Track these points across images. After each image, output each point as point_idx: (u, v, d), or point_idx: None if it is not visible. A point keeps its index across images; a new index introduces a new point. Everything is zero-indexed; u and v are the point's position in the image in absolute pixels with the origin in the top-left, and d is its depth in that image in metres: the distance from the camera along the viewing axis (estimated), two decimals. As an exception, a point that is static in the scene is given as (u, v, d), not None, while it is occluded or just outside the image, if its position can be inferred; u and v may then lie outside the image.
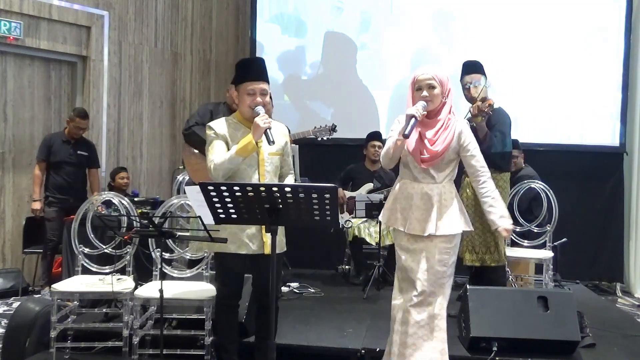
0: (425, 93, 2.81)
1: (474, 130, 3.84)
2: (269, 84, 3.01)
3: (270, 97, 3.10)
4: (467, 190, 3.97)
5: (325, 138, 4.75)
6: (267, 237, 2.91)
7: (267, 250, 2.91)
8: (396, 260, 3.00)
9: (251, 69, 2.98)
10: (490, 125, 3.85)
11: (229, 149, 2.93)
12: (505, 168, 4.00)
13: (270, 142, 2.80)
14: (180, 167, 4.90)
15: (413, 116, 2.74)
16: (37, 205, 5.30)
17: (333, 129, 4.51)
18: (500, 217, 2.90)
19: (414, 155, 2.85)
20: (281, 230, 3.07)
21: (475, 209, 3.91)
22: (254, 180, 2.95)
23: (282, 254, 3.14)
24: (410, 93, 2.90)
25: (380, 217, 3.08)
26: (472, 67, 4.01)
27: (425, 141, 2.85)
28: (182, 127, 4.36)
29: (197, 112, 4.36)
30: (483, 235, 3.92)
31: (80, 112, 5.39)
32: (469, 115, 3.90)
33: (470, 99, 3.96)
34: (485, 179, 2.93)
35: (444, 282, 2.88)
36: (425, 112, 2.80)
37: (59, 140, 5.38)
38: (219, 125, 3.01)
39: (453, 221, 2.88)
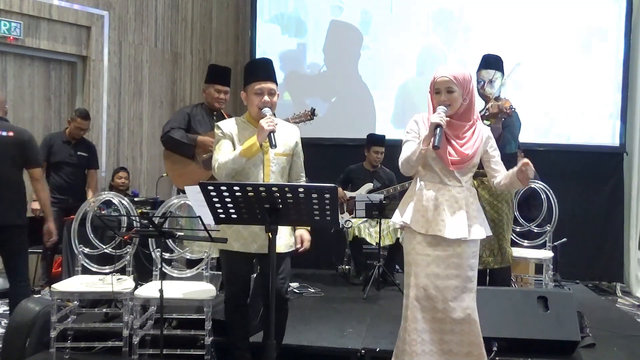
0: (443, 97, 2.74)
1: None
2: (277, 84, 3.00)
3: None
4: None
5: (305, 124, 4.45)
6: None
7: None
8: (413, 266, 2.81)
9: (259, 69, 2.98)
10: (503, 125, 3.79)
11: (234, 148, 2.94)
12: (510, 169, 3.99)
13: (273, 145, 2.78)
14: (163, 174, 4.84)
15: (438, 125, 2.65)
16: (36, 205, 5.29)
17: (312, 113, 4.40)
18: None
19: (442, 156, 2.76)
20: (289, 229, 3.02)
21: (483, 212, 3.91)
22: (259, 180, 2.93)
23: (287, 254, 3.04)
24: (430, 95, 2.83)
25: (404, 219, 2.84)
26: (489, 62, 3.93)
27: (454, 142, 2.77)
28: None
29: (173, 117, 4.37)
30: (487, 238, 3.90)
31: (82, 112, 5.38)
32: (485, 112, 3.82)
33: (483, 96, 3.91)
34: (502, 172, 2.92)
35: (473, 286, 2.84)
36: (447, 118, 2.71)
37: (59, 141, 5.38)
38: (227, 124, 3.02)
39: (482, 225, 2.86)
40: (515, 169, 2.76)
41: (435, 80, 2.79)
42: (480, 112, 3.89)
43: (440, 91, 2.75)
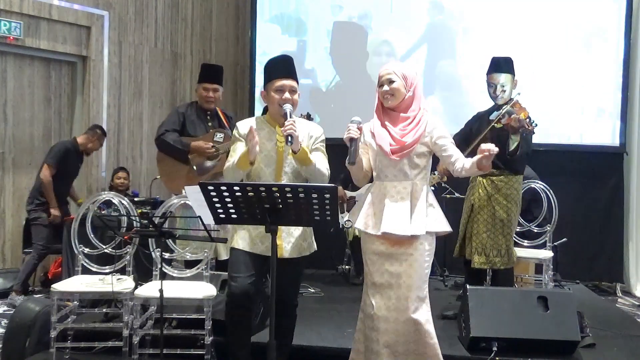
0: (386, 87, 2.84)
1: (499, 132, 3.75)
2: (298, 83, 2.93)
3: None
4: (480, 191, 3.93)
5: None
6: (282, 240, 2.84)
7: (282, 254, 2.83)
8: (368, 266, 2.85)
9: (279, 66, 2.91)
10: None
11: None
12: (520, 171, 3.98)
13: (289, 142, 2.68)
14: (157, 177, 4.78)
15: (352, 139, 2.74)
16: (57, 212, 5.19)
17: (308, 117, 4.40)
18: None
19: (382, 146, 2.80)
20: (305, 232, 2.93)
21: (487, 210, 3.89)
22: (271, 180, 2.86)
23: (302, 258, 2.95)
24: (376, 90, 2.93)
25: (358, 224, 2.86)
26: (499, 66, 3.90)
27: (393, 133, 2.81)
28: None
29: (167, 119, 4.30)
30: (494, 237, 3.88)
31: (103, 129, 5.53)
32: (498, 116, 3.76)
33: (494, 99, 3.92)
34: (460, 157, 2.87)
35: (426, 286, 2.83)
36: (361, 127, 2.80)
37: (74, 152, 5.35)
38: (244, 124, 2.95)
39: (427, 217, 2.80)
40: (475, 158, 2.72)
41: (379, 74, 2.90)
42: (491, 116, 3.86)
43: (383, 83, 2.86)
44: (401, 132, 2.82)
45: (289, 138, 2.68)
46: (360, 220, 2.87)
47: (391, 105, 2.86)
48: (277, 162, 2.89)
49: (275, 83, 2.86)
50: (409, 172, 2.83)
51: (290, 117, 2.75)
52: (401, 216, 2.76)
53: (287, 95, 2.85)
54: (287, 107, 2.80)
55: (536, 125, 3.63)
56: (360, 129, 2.80)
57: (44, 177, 5.15)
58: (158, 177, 4.56)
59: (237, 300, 2.83)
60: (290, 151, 2.80)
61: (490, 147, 2.61)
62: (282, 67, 2.90)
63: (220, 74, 4.30)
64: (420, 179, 2.85)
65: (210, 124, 4.21)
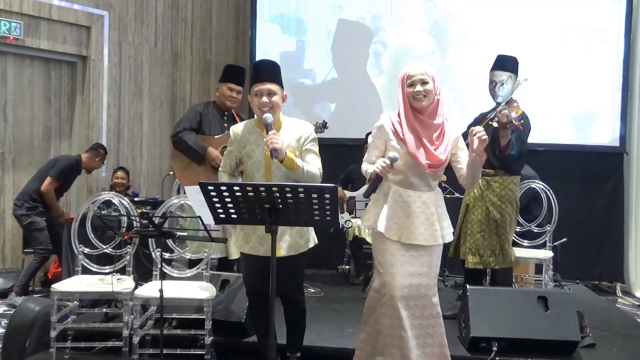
0: (419, 88, 2.77)
1: (494, 133, 3.75)
2: (280, 84, 2.94)
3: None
4: (474, 191, 3.93)
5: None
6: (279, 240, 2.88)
7: (280, 252, 2.88)
8: (388, 267, 2.83)
9: (257, 71, 2.96)
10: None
11: (239, 152, 3.00)
12: (516, 171, 3.96)
13: (274, 157, 2.73)
14: (170, 172, 4.80)
15: (377, 176, 2.71)
16: (62, 216, 5.34)
17: (324, 125, 4.36)
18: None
19: (419, 159, 2.77)
20: (301, 228, 2.98)
21: (481, 209, 3.89)
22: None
23: (299, 255, 3.00)
24: (401, 91, 2.84)
25: (379, 227, 2.85)
26: (502, 64, 3.87)
27: (428, 146, 2.79)
28: (171, 133, 4.31)
29: (185, 116, 4.27)
30: (488, 237, 3.87)
31: (106, 150, 5.62)
32: (493, 114, 3.77)
33: (494, 97, 3.89)
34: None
35: (436, 284, 2.93)
36: (392, 166, 2.73)
37: (76, 169, 5.43)
38: (237, 128, 3.03)
39: (449, 226, 2.94)
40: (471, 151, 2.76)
41: (408, 74, 2.82)
42: (488, 114, 3.87)
43: (415, 83, 2.78)
44: (433, 146, 2.80)
45: (274, 152, 2.73)
46: (382, 223, 2.83)
47: (423, 107, 2.79)
48: (265, 166, 2.95)
49: (254, 88, 2.93)
50: (432, 183, 2.88)
51: (271, 129, 2.79)
52: (432, 226, 2.84)
53: (264, 99, 2.89)
54: (268, 118, 2.83)
55: (522, 121, 3.61)
56: (393, 168, 2.74)
57: (47, 190, 5.23)
58: (171, 172, 4.55)
59: (251, 298, 3.13)
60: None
61: (479, 128, 2.67)
62: (259, 71, 2.95)
63: (244, 76, 4.31)
64: (437, 187, 2.93)
65: (226, 124, 4.22)
